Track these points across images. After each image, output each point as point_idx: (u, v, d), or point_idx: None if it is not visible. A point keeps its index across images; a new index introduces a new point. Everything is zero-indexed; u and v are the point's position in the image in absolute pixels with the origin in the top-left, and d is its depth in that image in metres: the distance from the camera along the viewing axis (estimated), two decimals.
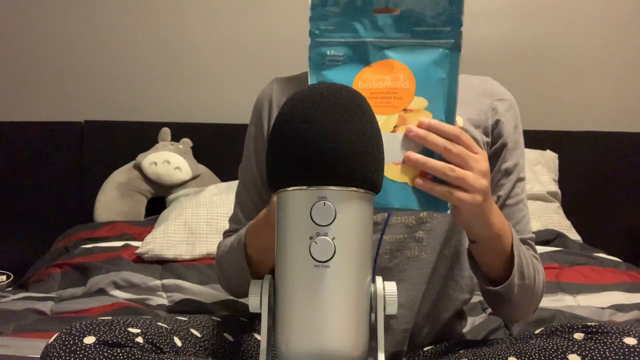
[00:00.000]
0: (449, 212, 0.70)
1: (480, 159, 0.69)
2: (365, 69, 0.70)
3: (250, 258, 0.85)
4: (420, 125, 0.68)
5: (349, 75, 0.70)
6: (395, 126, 0.70)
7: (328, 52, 0.70)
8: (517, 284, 0.79)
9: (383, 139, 0.61)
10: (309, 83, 0.69)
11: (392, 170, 0.68)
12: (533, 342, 0.70)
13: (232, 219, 1.00)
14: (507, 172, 0.90)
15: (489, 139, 0.90)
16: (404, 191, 0.68)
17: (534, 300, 0.87)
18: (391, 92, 0.70)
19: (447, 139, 0.67)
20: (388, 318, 0.84)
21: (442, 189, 0.67)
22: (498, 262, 0.79)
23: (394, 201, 0.68)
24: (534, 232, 0.93)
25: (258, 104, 0.97)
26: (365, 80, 0.70)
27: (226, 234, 0.99)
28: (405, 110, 0.70)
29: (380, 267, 0.86)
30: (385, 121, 0.70)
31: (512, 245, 0.78)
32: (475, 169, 0.68)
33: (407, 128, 0.69)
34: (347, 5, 0.70)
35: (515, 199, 0.91)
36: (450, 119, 0.70)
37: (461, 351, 0.81)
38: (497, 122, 0.90)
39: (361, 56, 0.70)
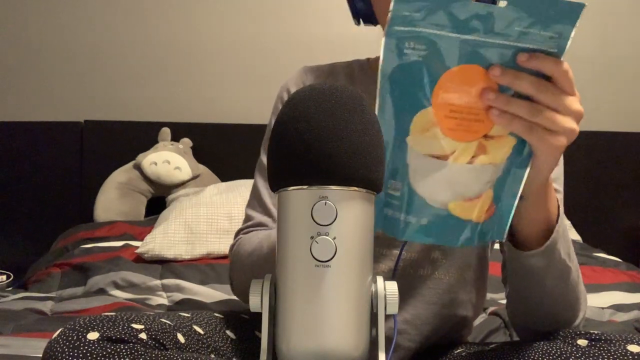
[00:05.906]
0: (503, 239, 0.63)
1: (575, 100, 0.60)
2: (448, 73, 0.57)
3: None
4: (519, 58, 0.57)
5: (431, 76, 0.57)
6: (474, 156, 0.59)
7: (407, 44, 0.56)
8: (559, 252, 0.70)
9: (457, 172, 0.56)
10: (380, 75, 0.57)
11: (461, 207, 0.60)
12: (535, 345, 0.69)
13: (253, 206, 0.92)
14: None
15: None
16: (466, 228, 0.61)
17: (571, 297, 0.76)
18: (472, 112, 0.58)
19: (549, 73, 0.58)
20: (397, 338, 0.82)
21: (522, 124, 0.58)
22: (542, 223, 0.70)
23: (454, 239, 0.61)
24: None
25: (281, 90, 0.95)
26: (448, 90, 0.57)
27: (247, 228, 0.91)
28: (486, 136, 0.59)
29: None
30: (463, 150, 0.58)
31: (558, 206, 0.71)
32: (567, 111, 0.59)
33: (491, 68, 0.56)
34: None
35: None
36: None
37: (463, 354, 0.81)
38: None
39: (447, 55, 0.56)
